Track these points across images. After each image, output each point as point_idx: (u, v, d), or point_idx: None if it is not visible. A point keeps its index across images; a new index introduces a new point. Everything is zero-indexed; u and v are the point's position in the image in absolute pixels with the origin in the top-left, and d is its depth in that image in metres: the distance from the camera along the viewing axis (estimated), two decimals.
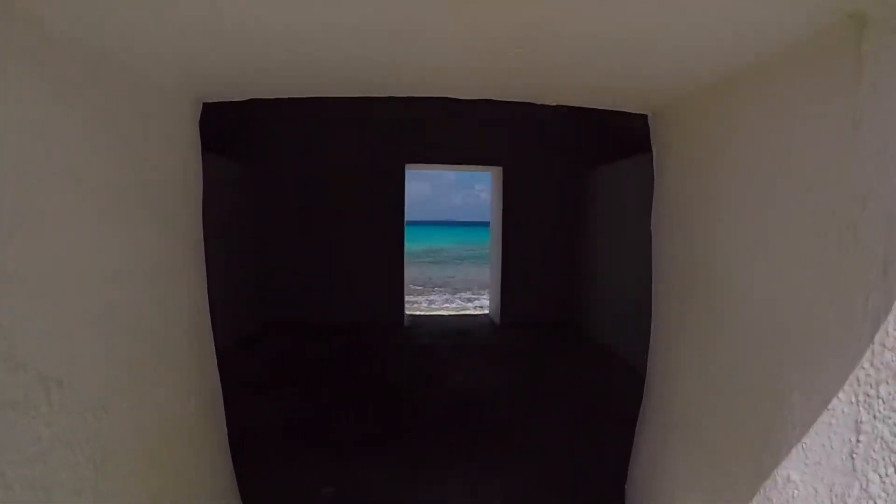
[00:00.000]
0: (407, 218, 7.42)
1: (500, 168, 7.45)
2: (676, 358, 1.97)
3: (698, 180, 1.82)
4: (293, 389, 4.62)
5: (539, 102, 1.86)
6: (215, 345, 1.96)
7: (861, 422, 1.11)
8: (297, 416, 4.01)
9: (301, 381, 4.82)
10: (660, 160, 2.11)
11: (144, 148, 1.52)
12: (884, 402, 1.06)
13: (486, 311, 8.58)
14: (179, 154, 1.69)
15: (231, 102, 1.85)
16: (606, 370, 5.44)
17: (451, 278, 18.21)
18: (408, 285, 7.78)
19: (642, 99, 1.91)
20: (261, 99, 1.83)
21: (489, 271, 8.63)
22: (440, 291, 14.22)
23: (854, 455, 1.13)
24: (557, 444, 3.60)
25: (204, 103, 1.81)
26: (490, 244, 8.31)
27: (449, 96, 1.85)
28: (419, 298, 12.20)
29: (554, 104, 1.90)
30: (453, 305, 11.03)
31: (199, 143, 1.80)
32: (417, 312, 8.58)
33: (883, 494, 1.06)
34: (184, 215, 1.70)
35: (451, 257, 29.05)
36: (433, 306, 11.00)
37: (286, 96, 1.83)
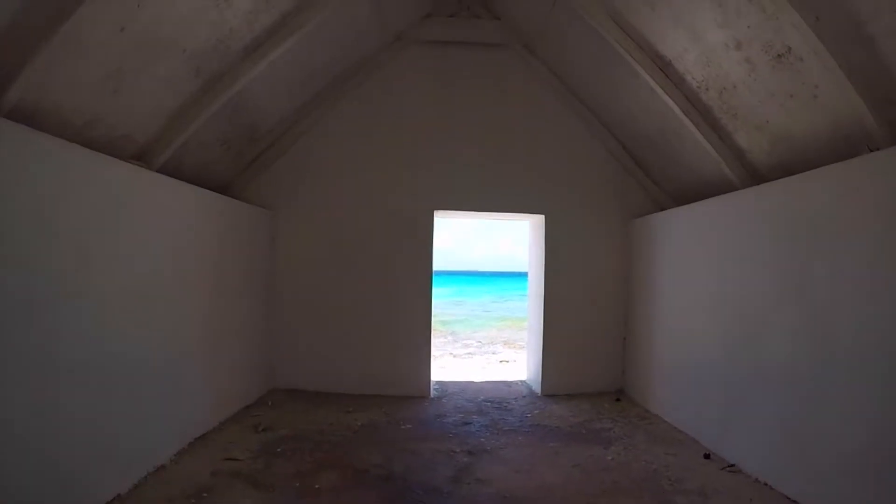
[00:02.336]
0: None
1: (543, 216, 6.61)
2: None
3: None
4: (290, 484, 3.65)
5: None
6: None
7: None
8: None
9: (302, 474, 3.84)
10: None
11: None
12: None
13: (524, 378, 7.48)
14: None
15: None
16: (675, 454, 4.42)
17: (475, 332, 17.14)
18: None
19: None
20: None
21: (527, 333, 7.60)
22: (465, 345, 13.28)
23: None
24: None
25: None
26: (529, 301, 7.34)
27: None
28: (442, 352, 11.23)
29: None
30: (479, 359, 10.20)
31: None
32: (445, 378, 7.50)
33: None
34: None
35: (475, 309, 27.92)
36: (457, 360, 10.11)
37: None
